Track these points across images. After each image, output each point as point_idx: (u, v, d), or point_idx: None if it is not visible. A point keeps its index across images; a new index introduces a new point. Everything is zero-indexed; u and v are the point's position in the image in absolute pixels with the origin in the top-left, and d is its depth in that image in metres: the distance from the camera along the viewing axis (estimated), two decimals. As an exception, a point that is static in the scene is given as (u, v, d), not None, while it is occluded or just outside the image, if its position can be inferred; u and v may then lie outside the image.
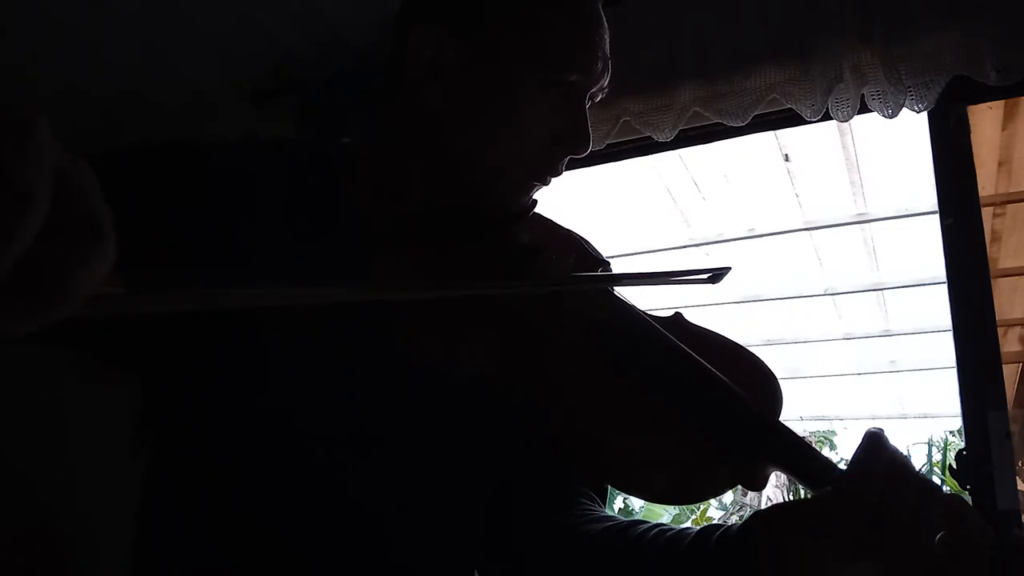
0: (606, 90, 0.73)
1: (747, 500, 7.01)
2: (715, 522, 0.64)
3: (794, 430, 0.61)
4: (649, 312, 0.70)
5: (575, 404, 0.65)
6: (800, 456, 0.60)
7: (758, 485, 0.61)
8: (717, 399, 0.62)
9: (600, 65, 0.69)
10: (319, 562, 0.63)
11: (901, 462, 0.56)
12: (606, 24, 0.70)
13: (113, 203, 0.33)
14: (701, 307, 4.51)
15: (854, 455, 0.57)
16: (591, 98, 0.72)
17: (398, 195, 0.72)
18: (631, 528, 0.68)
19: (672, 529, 0.66)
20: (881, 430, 0.58)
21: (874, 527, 0.53)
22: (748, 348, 0.70)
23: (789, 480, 6.71)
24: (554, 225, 0.79)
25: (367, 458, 0.64)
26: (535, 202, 0.74)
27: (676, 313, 0.71)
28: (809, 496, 0.59)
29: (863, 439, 0.57)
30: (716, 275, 0.66)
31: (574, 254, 0.74)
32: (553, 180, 0.72)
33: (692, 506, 7.45)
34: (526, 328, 0.65)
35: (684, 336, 0.67)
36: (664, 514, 6.96)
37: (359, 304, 0.65)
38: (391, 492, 0.66)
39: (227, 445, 0.63)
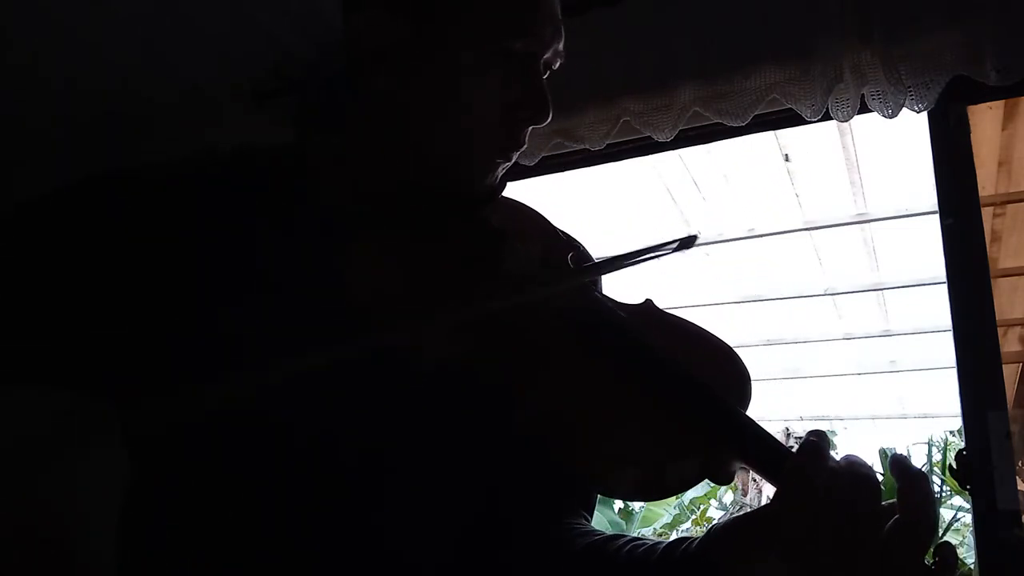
0: (562, 55, 0.71)
1: (747, 500, 7.01)
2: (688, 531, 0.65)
3: (760, 424, 0.60)
4: (622, 302, 0.70)
5: (544, 396, 0.64)
6: (765, 451, 0.59)
7: (725, 479, 0.61)
8: (682, 390, 0.62)
9: (550, 29, 0.68)
10: (303, 568, 0.62)
11: (835, 466, 0.55)
12: None
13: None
14: (701, 307, 4.51)
15: (792, 463, 0.56)
16: (547, 66, 0.70)
17: (365, 183, 0.72)
18: (609, 543, 0.68)
19: (646, 543, 0.66)
20: (821, 435, 0.57)
21: (819, 534, 0.53)
22: (716, 335, 0.69)
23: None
24: (523, 207, 0.78)
25: (345, 463, 0.64)
26: (503, 184, 0.73)
27: (647, 300, 0.70)
28: (758, 509, 0.60)
29: (800, 447, 0.57)
30: (684, 243, 0.65)
31: (543, 239, 0.73)
32: (515, 155, 0.71)
33: (692, 508, 7.45)
34: (495, 318, 0.64)
35: (654, 324, 0.66)
36: (664, 514, 6.96)
37: (327, 303, 0.65)
38: (371, 499, 0.65)
39: (205, 453, 0.62)
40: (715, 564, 0.59)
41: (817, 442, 0.56)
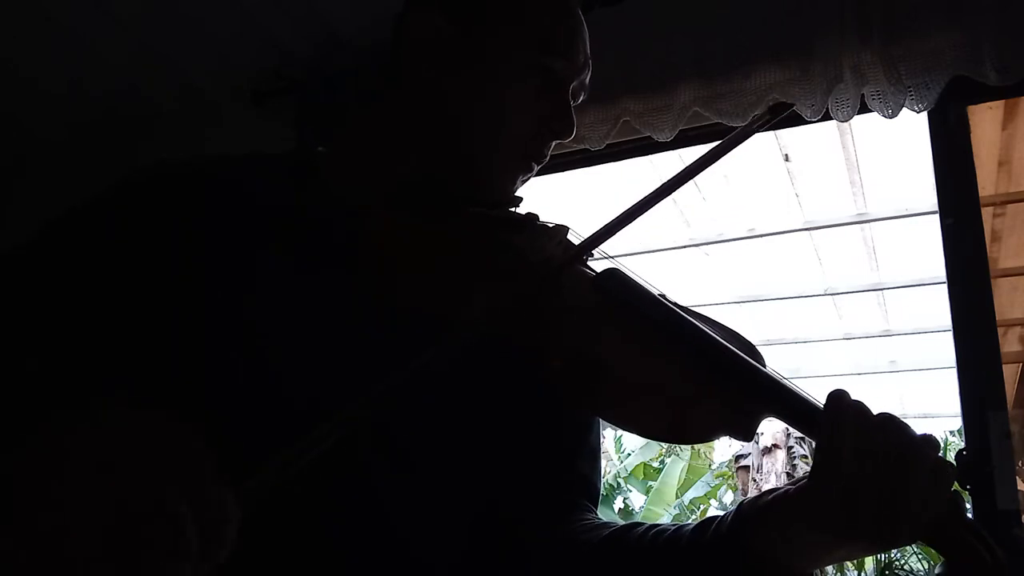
0: (587, 89, 0.78)
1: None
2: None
3: (782, 377, 0.62)
4: None
5: (573, 343, 0.66)
6: (789, 398, 0.60)
7: (748, 433, 0.62)
8: (708, 343, 0.64)
9: (582, 58, 0.75)
10: (314, 551, 0.62)
11: (866, 424, 0.56)
12: (586, 27, 0.77)
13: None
14: (701, 307, 4.50)
15: (821, 426, 0.57)
16: (573, 95, 0.76)
17: (389, 178, 0.74)
18: (631, 531, 0.68)
19: (669, 528, 0.66)
20: (842, 391, 0.58)
21: (855, 505, 0.54)
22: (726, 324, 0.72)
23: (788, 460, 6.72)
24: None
25: (363, 441, 0.64)
26: (520, 199, 0.77)
27: (660, 293, 0.72)
28: (791, 488, 0.60)
29: (824, 404, 0.58)
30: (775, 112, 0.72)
31: (566, 229, 0.75)
32: (536, 167, 0.76)
33: (693, 508, 7.46)
34: (522, 282, 0.65)
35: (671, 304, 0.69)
36: (664, 514, 6.97)
37: (354, 279, 0.66)
38: (387, 478, 0.65)
39: (218, 431, 0.62)
40: (747, 546, 0.59)
41: (839, 395, 0.57)
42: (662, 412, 0.64)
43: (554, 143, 0.76)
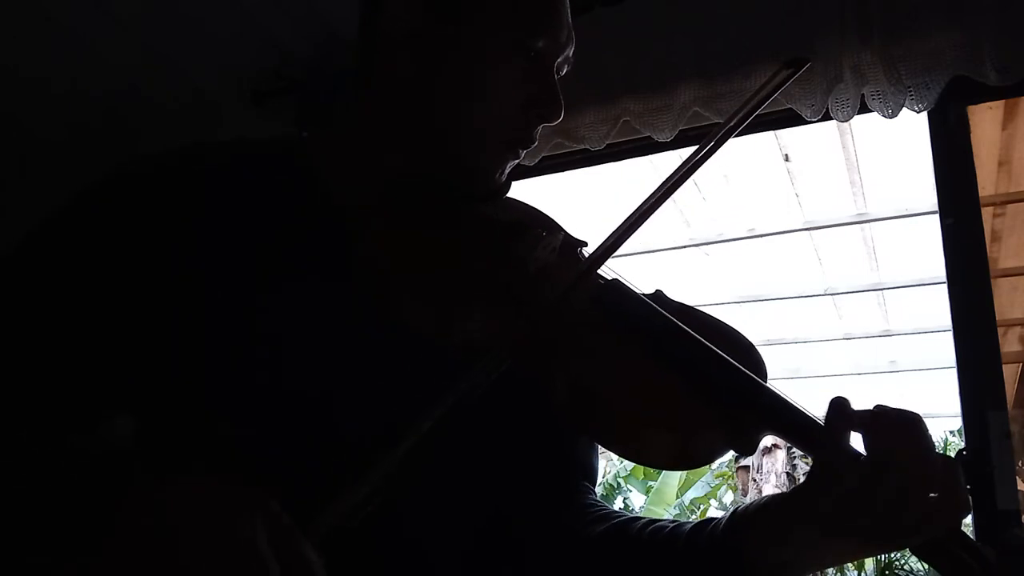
0: (571, 62, 0.76)
1: (747, 500, 7.01)
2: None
3: (784, 395, 0.63)
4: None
5: (578, 369, 0.65)
6: (791, 417, 0.61)
7: (750, 448, 0.63)
8: (708, 363, 0.64)
9: (565, 34, 0.73)
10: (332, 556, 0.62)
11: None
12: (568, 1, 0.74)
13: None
14: (701, 307, 4.50)
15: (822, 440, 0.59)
16: (557, 70, 0.74)
17: (378, 171, 0.73)
18: (629, 526, 0.69)
19: (667, 525, 0.67)
20: (844, 400, 0.60)
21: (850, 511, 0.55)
22: (720, 319, 0.72)
23: (788, 472, 6.72)
24: (529, 206, 0.80)
25: (366, 448, 0.64)
26: (509, 184, 0.76)
27: (657, 290, 0.72)
28: (785, 494, 0.61)
29: (826, 412, 0.60)
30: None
31: (561, 234, 0.75)
32: (523, 152, 0.74)
33: (693, 508, 7.45)
34: (526, 303, 0.65)
35: (668, 308, 0.69)
36: (664, 514, 6.96)
37: (351, 284, 0.65)
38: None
39: (229, 439, 0.62)
40: (740, 549, 0.61)
41: (840, 405, 0.59)
42: (666, 440, 0.63)
43: (541, 126, 0.74)
